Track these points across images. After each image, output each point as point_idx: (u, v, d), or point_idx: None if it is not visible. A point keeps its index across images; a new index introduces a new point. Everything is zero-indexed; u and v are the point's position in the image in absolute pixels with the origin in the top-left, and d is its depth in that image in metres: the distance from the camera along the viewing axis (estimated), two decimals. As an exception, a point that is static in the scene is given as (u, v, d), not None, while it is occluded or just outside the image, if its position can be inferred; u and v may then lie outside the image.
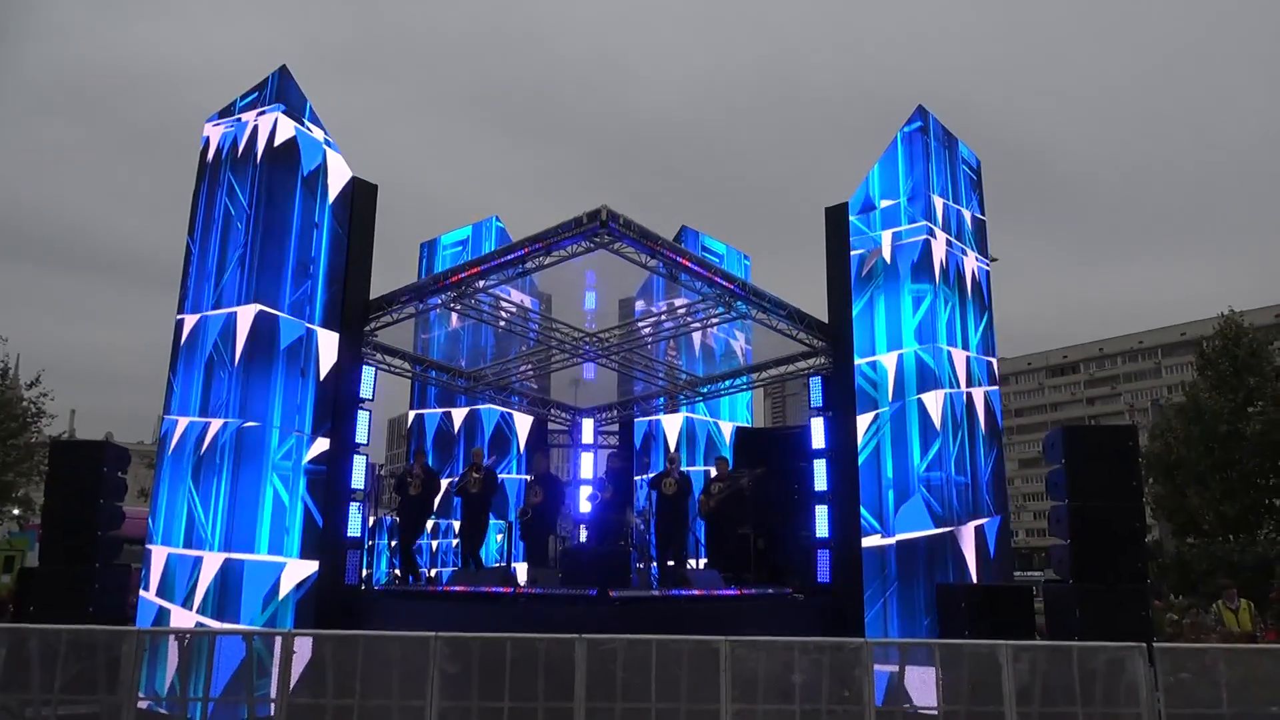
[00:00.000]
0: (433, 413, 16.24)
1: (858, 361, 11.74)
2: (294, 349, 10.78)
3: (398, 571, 12.43)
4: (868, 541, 11.15)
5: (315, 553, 10.56)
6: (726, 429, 16.83)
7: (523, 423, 16.51)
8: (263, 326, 10.61)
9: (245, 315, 10.64)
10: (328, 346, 11.13)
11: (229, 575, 9.96)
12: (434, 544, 14.59)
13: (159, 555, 10.37)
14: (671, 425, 16.64)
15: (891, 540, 11.00)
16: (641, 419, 16.78)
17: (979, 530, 11.31)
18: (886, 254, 11.85)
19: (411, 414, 16.48)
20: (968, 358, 11.85)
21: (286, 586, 10.22)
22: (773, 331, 12.43)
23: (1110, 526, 9.03)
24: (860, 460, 11.49)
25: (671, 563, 12.05)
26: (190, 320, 11.06)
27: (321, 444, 10.89)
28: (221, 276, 10.97)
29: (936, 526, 10.87)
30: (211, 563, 9.99)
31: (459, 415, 16.10)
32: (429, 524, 13.61)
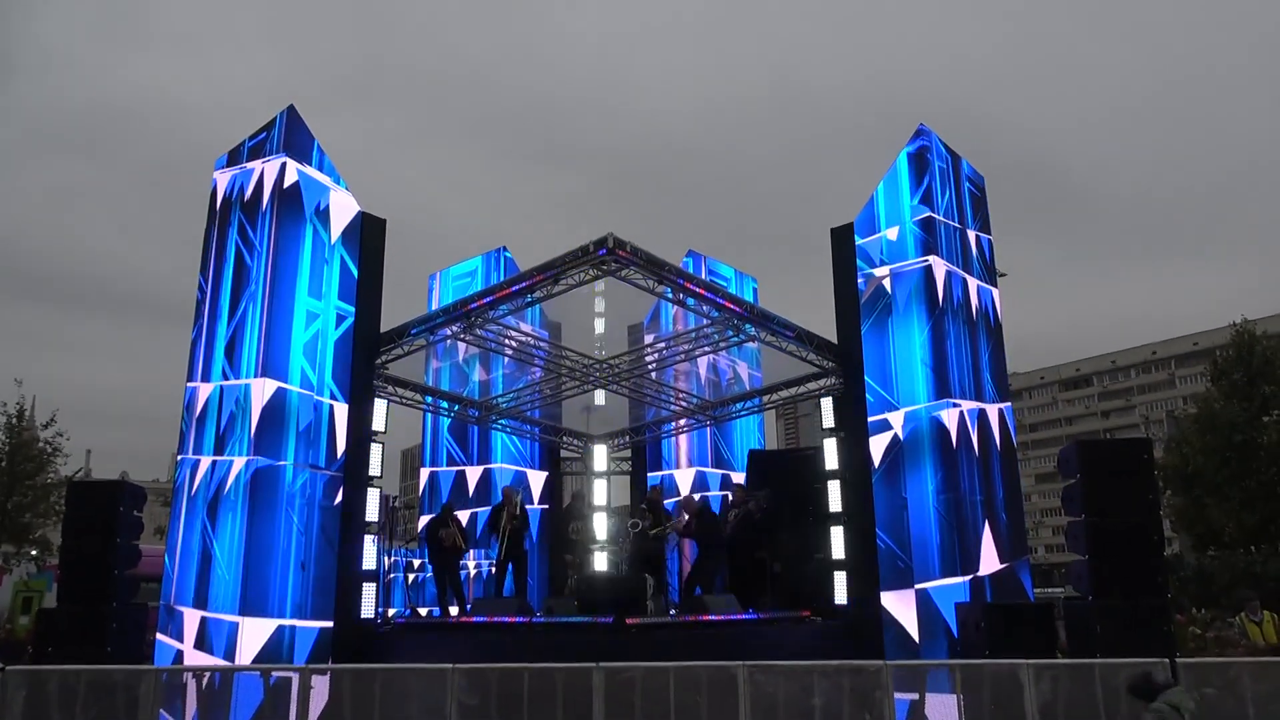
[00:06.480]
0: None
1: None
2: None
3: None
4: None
5: (331, 590, 10.59)
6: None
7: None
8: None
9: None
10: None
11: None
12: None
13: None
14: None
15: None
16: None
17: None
18: (888, 281, 11.84)
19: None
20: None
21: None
22: (782, 353, 12.45)
23: (1129, 540, 8.95)
24: (874, 480, 11.43)
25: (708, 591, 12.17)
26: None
27: (336, 478, 10.97)
28: (232, 319, 10.92)
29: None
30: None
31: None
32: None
